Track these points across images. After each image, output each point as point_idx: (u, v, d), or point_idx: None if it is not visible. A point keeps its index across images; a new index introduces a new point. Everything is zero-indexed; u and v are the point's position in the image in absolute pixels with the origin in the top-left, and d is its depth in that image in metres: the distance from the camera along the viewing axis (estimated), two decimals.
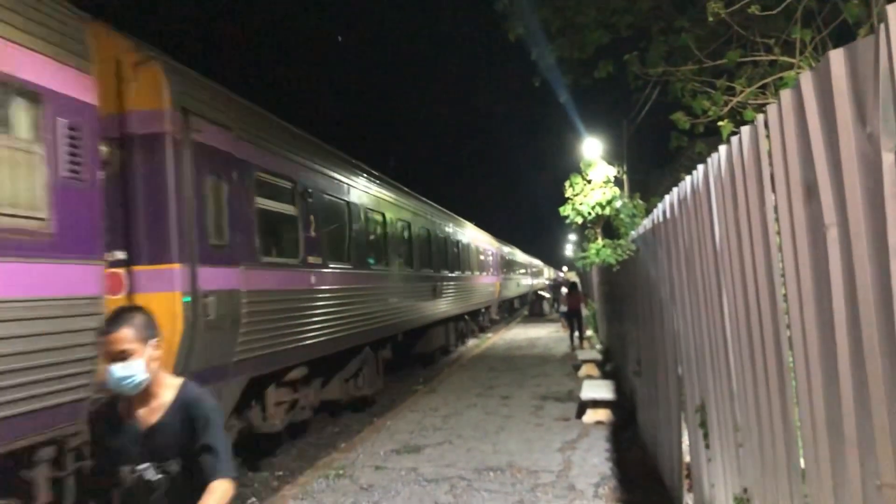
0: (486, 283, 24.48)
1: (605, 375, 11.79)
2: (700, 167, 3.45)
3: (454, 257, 18.60)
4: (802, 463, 2.24)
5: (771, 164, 2.29)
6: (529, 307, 38.71)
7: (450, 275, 17.51)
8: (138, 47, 5.77)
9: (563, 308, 20.63)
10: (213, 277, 5.97)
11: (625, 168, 18.10)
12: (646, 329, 6.33)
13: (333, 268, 8.99)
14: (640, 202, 12.78)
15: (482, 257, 24.05)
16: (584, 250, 13.46)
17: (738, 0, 6.06)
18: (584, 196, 14.87)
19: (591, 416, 8.71)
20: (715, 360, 3.43)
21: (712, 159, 3.16)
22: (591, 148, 16.44)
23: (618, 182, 16.06)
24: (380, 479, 6.54)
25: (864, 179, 1.64)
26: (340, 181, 9.71)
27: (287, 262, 7.75)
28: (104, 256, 5.00)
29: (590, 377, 11.90)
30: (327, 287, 8.71)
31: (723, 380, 3.29)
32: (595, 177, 15.05)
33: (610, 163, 15.69)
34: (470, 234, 21.82)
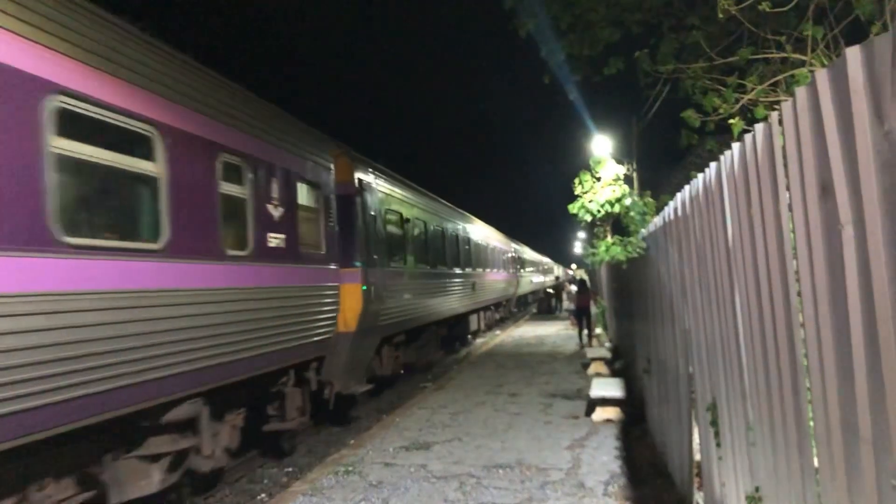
0: (507, 280, 28.93)
1: (614, 373, 11.77)
2: (712, 164, 3.43)
3: (486, 259, 23.01)
4: (816, 462, 2.24)
5: (785, 162, 2.28)
6: (538, 304, 38.76)
7: (482, 272, 21.70)
8: (338, 146, 9.71)
9: (569, 305, 20.76)
10: (373, 275, 10.13)
11: (634, 165, 18.03)
12: (656, 327, 6.31)
13: (420, 269, 13.44)
14: (651, 199, 12.73)
15: (503, 257, 28.27)
16: (593, 247, 13.44)
17: None
18: (594, 194, 14.81)
19: (601, 413, 8.70)
20: (727, 358, 3.42)
21: (725, 157, 3.14)
22: (601, 145, 16.41)
23: (628, 179, 16.00)
24: (389, 476, 6.56)
25: (880, 177, 1.63)
26: (421, 208, 14.10)
27: (400, 265, 12.01)
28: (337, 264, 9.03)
29: (599, 375, 11.89)
30: (418, 282, 13.15)
31: (735, 378, 3.28)
32: (604, 174, 15.00)
33: (619, 160, 15.63)
34: (495, 238, 26.18)
